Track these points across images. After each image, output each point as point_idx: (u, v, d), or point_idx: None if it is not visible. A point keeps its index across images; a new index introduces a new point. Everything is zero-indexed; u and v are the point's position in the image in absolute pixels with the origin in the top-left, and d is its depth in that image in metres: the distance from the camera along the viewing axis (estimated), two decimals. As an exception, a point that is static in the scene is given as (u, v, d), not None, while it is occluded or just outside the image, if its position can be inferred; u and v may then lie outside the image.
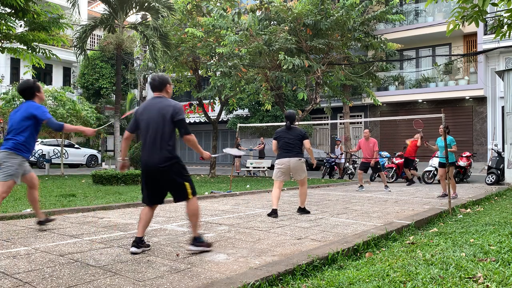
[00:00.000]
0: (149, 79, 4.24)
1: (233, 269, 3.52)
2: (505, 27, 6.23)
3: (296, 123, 14.32)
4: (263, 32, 14.15)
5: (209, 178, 16.11)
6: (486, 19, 18.15)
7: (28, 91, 4.90)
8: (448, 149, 9.01)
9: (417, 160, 14.76)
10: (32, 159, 20.64)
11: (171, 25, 16.52)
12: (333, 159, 16.82)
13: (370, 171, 12.55)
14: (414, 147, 13.53)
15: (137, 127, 4.11)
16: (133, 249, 4.00)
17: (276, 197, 6.54)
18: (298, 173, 6.68)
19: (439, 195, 9.70)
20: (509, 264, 3.47)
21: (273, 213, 6.43)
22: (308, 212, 6.73)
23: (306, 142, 6.68)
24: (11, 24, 12.53)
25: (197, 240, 4.08)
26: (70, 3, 14.64)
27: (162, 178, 3.97)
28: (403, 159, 14.02)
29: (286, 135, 6.69)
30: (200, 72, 17.99)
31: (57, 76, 28.93)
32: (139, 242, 4.05)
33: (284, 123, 6.92)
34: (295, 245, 4.45)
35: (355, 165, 16.72)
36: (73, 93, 20.86)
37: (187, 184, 4.03)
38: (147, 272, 3.43)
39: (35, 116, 4.76)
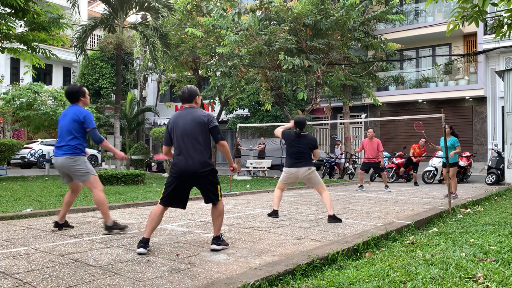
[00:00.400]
0: (179, 92, 4.47)
1: (233, 269, 3.52)
2: (505, 27, 6.23)
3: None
4: (263, 32, 14.16)
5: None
6: (486, 19, 18.15)
7: (73, 95, 5.08)
8: (453, 151, 9.11)
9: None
10: (32, 159, 20.67)
11: (171, 25, 16.53)
12: (333, 159, 16.81)
13: (370, 170, 12.50)
14: (421, 152, 13.63)
15: (171, 139, 4.31)
16: (141, 250, 4.02)
17: (277, 197, 6.52)
18: (310, 182, 6.39)
19: (445, 195, 9.29)
20: (509, 264, 3.47)
21: (274, 214, 6.42)
22: (339, 221, 5.95)
23: (316, 152, 6.40)
24: (11, 24, 12.54)
25: (219, 239, 4.29)
26: (70, 3, 14.65)
27: (198, 182, 4.22)
28: (409, 162, 13.95)
29: (297, 143, 6.34)
30: (200, 72, 18.01)
31: (57, 76, 28.93)
32: (146, 243, 4.09)
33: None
34: (295, 245, 4.45)
35: (355, 165, 16.72)
36: (73, 93, 20.83)
37: (219, 187, 4.33)
38: (147, 272, 3.43)
39: (82, 122, 4.96)
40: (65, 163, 4.92)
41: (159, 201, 4.27)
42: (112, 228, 4.98)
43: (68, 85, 5.41)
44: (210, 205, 4.34)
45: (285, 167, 6.50)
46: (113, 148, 5.17)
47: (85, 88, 5.21)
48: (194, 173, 4.14)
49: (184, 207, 4.36)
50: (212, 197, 4.30)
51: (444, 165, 10.52)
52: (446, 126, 8.80)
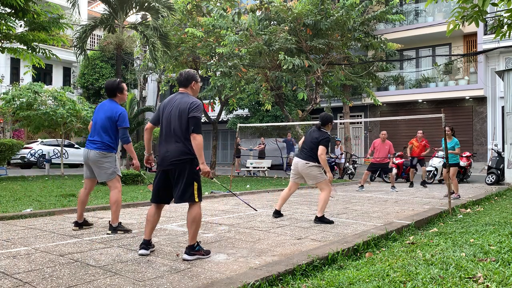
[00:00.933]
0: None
1: (233, 269, 3.52)
2: (505, 27, 6.23)
3: (296, 123, 14.37)
4: (263, 32, 14.15)
5: (209, 178, 16.08)
6: (486, 19, 18.15)
7: (111, 91, 5.13)
8: (452, 151, 9.23)
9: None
10: (32, 159, 20.66)
11: (171, 25, 16.53)
12: (333, 159, 16.81)
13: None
14: (423, 149, 12.49)
15: (158, 120, 4.10)
16: (142, 251, 3.98)
17: (282, 197, 6.40)
18: (308, 178, 6.10)
19: (445, 195, 9.34)
20: (509, 264, 3.47)
21: (275, 214, 6.39)
22: (328, 222, 5.82)
23: (320, 148, 5.95)
24: (11, 24, 12.53)
25: (193, 248, 3.89)
26: (70, 3, 14.65)
27: (173, 174, 3.88)
28: (415, 160, 12.74)
29: (308, 136, 6.24)
30: (200, 72, 18.00)
31: (57, 76, 28.92)
32: (147, 244, 4.03)
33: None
34: (295, 245, 4.45)
35: (355, 165, 16.72)
36: (73, 93, 20.85)
37: (195, 184, 3.90)
38: (147, 272, 3.43)
39: (116, 120, 5.02)
40: (95, 157, 4.98)
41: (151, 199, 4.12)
42: (117, 229, 5.03)
43: (108, 80, 5.40)
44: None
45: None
46: (134, 154, 5.19)
47: (124, 84, 5.23)
48: (170, 163, 3.85)
49: (168, 202, 4.08)
50: (182, 194, 3.85)
51: (444, 165, 10.64)
52: (447, 127, 8.85)
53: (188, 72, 4.13)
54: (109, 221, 5.09)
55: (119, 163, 5.19)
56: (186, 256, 3.83)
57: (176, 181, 3.87)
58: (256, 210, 5.01)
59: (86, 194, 5.26)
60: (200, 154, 3.87)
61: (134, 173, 11.93)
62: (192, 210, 3.90)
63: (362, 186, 11.24)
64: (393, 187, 11.13)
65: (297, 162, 6.17)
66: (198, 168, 3.95)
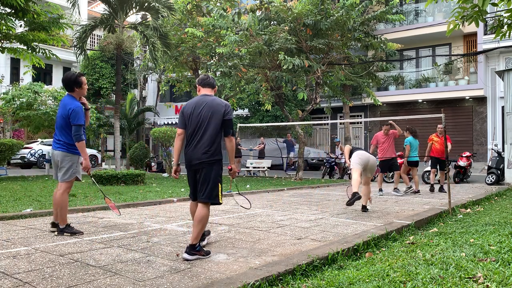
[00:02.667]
0: (201, 76, 4.31)
1: (233, 269, 3.52)
2: (505, 27, 6.23)
3: (296, 123, 14.35)
4: (263, 32, 14.15)
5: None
6: (486, 19, 18.15)
7: (68, 85, 4.91)
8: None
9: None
10: (32, 159, 20.66)
11: (171, 25, 16.53)
12: (333, 159, 16.82)
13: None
14: (442, 143, 10.80)
15: (185, 123, 4.08)
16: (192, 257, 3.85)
17: (357, 181, 6.82)
18: (372, 171, 7.25)
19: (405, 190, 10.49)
20: (509, 264, 3.47)
21: (354, 197, 6.62)
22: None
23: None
24: (11, 24, 12.54)
25: (194, 248, 3.88)
26: (70, 3, 14.64)
27: (201, 173, 3.94)
28: (435, 161, 11.35)
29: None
30: (200, 72, 18.01)
31: (57, 76, 28.92)
32: (192, 251, 3.91)
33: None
34: (295, 245, 4.45)
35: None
36: (73, 93, 20.84)
37: (219, 186, 3.97)
38: (147, 272, 3.43)
39: (68, 117, 4.78)
40: (58, 157, 4.85)
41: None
42: (64, 231, 4.85)
43: (67, 72, 5.15)
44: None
45: (357, 151, 7.26)
46: (85, 154, 4.88)
47: (82, 78, 4.93)
48: (198, 163, 3.93)
49: (195, 199, 4.13)
50: (205, 193, 3.92)
51: (409, 163, 11.02)
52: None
53: (211, 76, 4.30)
54: (56, 222, 4.93)
55: (79, 166, 4.95)
56: (186, 256, 3.83)
57: (203, 181, 3.94)
58: (249, 208, 5.00)
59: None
60: (233, 155, 4.06)
61: (134, 173, 11.93)
62: (202, 210, 3.93)
63: (381, 189, 10.33)
64: (396, 189, 10.23)
65: (369, 157, 7.13)
66: (230, 167, 4.12)
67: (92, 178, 5.60)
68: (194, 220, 3.96)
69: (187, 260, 3.80)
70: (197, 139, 3.96)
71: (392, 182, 14.28)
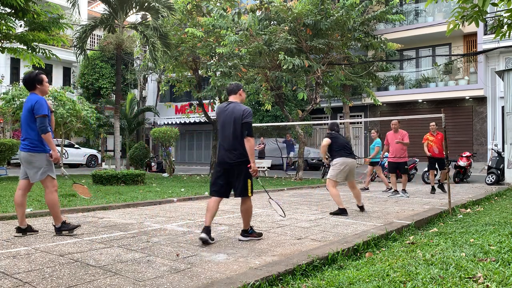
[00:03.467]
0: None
1: (233, 269, 3.52)
2: (505, 27, 6.22)
3: (296, 123, 14.36)
4: (263, 32, 14.15)
5: (209, 178, 16.12)
6: (486, 19, 18.14)
7: (29, 83, 4.85)
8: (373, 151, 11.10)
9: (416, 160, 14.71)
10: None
11: (171, 25, 16.52)
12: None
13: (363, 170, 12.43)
14: (438, 141, 10.49)
15: (219, 128, 4.76)
16: (203, 235, 4.39)
17: (338, 195, 6.79)
18: (353, 175, 7.00)
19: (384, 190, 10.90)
20: (509, 264, 3.47)
21: (342, 213, 6.63)
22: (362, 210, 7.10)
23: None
24: (11, 24, 12.53)
25: (247, 232, 4.71)
26: (70, 3, 14.64)
27: (232, 173, 4.54)
28: (433, 161, 10.81)
29: (341, 139, 7.10)
30: (200, 72, 18.00)
31: (57, 76, 28.91)
32: (208, 231, 4.47)
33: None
34: (295, 245, 4.45)
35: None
36: (73, 93, 20.85)
37: (249, 181, 4.55)
38: (147, 272, 3.43)
39: (33, 109, 4.67)
40: (25, 158, 4.72)
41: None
42: (61, 229, 4.85)
43: (25, 73, 5.09)
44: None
45: (340, 158, 6.89)
46: (53, 145, 4.77)
47: (42, 76, 4.90)
48: (228, 164, 4.52)
49: (227, 196, 4.68)
50: (239, 190, 4.53)
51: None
52: (373, 130, 11.02)
53: (236, 82, 4.91)
54: (53, 223, 4.89)
55: (50, 163, 4.80)
56: (241, 237, 4.68)
57: (236, 179, 4.54)
58: (284, 216, 5.18)
59: (21, 195, 4.85)
60: (252, 154, 4.52)
61: (134, 173, 11.93)
62: (245, 202, 4.61)
63: (396, 191, 9.89)
64: (404, 191, 9.75)
65: (352, 162, 6.86)
66: (248, 166, 4.54)
67: (63, 169, 5.56)
68: (241, 211, 4.67)
69: (242, 240, 4.63)
70: (224, 142, 4.59)
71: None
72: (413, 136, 13.83)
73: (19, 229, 4.85)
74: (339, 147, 6.92)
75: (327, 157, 7.30)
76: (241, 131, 4.48)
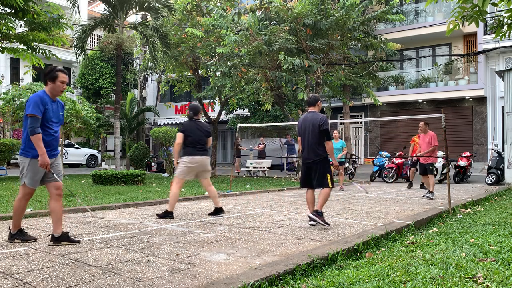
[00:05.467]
0: (306, 97, 5.61)
1: (233, 269, 3.52)
2: (505, 27, 6.22)
3: (296, 123, 14.45)
4: (263, 32, 14.15)
5: (337, 169, 15.85)
6: (486, 19, 18.15)
7: (44, 78, 4.45)
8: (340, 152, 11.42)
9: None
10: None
11: (171, 25, 16.52)
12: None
13: (362, 170, 12.43)
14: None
15: (300, 133, 5.75)
16: (311, 222, 5.51)
17: (175, 195, 6.24)
18: (207, 172, 6.52)
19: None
20: (509, 264, 3.47)
21: (167, 215, 6.17)
22: (167, 216, 6.17)
23: (210, 140, 6.59)
24: (11, 24, 12.53)
25: (318, 212, 5.49)
26: (70, 3, 14.63)
27: (314, 168, 5.58)
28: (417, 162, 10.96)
29: (198, 130, 6.41)
30: (200, 72, 18.00)
31: (57, 76, 28.90)
32: (316, 214, 5.46)
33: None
34: (295, 245, 4.45)
35: (355, 165, 16.72)
36: (73, 93, 20.84)
37: (328, 175, 5.56)
38: (147, 272, 3.43)
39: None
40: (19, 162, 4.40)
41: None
42: (14, 236, 4.45)
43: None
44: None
45: (188, 157, 6.25)
46: (41, 149, 4.20)
47: (58, 73, 4.36)
48: (311, 162, 5.55)
49: (312, 187, 5.69)
50: (320, 182, 5.54)
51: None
52: (335, 131, 11.60)
53: (315, 95, 5.84)
54: (10, 228, 4.49)
55: (31, 170, 4.31)
56: (311, 215, 5.51)
57: (315, 173, 5.59)
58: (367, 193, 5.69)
59: (25, 201, 4.47)
60: (332, 153, 5.62)
61: (134, 173, 11.92)
62: (324, 190, 5.56)
63: (432, 192, 9.39)
64: (431, 192, 9.27)
65: (201, 160, 6.35)
66: (331, 163, 5.71)
67: (55, 176, 4.43)
68: (320, 194, 5.55)
69: (311, 218, 5.50)
70: (307, 145, 5.59)
71: (392, 182, 14.30)
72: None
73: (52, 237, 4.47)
74: (189, 143, 6.29)
75: (178, 161, 6.42)
76: (319, 135, 5.51)
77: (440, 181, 13.76)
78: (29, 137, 4.21)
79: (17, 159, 21.17)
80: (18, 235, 4.48)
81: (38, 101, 4.20)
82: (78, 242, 4.46)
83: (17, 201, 4.43)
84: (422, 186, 11.44)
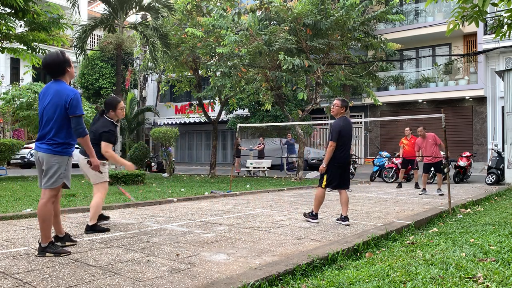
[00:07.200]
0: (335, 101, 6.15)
1: (233, 269, 3.52)
2: (505, 27, 6.23)
3: (296, 123, 14.40)
4: (263, 32, 14.15)
5: (209, 178, 16.12)
6: (486, 19, 18.14)
7: (58, 67, 3.91)
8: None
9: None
10: (32, 159, 20.65)
11: (171, 25, 16.52)
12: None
13: (363, 170, 12.44)
14: (411, 145, 11.83)
15: (340, 137, 5.93)
16: (346, 222, 5.73)
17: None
18: (91, 176, 5.24)
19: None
20: (509, 264, 3.47)
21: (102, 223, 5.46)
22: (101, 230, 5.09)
23: (102, 144, 5.13)
24: (11, 24, 12.54)
25: (342, 217, 5.86)
26: (70, 3, 14.64)
27: (348, 169, 6.07)
28: (406, 161, 12.41)
29: (98, 123, 5.35)
30: (200, 72, 18.00)
31: (57, 76, 28.92)
32: (345, 218, 5.79)
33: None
34: (295, 245, 4.45)
35: (355, 165, 16.72)
36: (73, 93, 20.86)
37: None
38: (147, 272, 3.43)
39: (67, 107, 3.81)
40: (43, 158, 3.92)
41: (325, 186, 5.94)
42: (46, 250, 3.90)
43: (46, 55, 3.99)
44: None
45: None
46: (92, 150, 4.13)
47: (68, 57, 4.04)
48: (348, 163, 6.02)
49: (348, 187, 6.20)
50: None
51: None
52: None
53: (346, 100, 6.32)
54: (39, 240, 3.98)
55: (69, 170, 4.05)
56: (336, 220, 5.99)
57: (348, 173, 6.10)
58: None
59: (56, 203, 4.24)
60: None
61: (134, 173, 11.92)
62: (344, 193, 6.03)
63: (424, 189, 10.22)
64: (439, 189, 10.03)
65: (82, 160, 5.14)
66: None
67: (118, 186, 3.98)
68: (343, 202, 5.95)
69: (338, 222, 5.89)
70: (346, 147, 5.98)
71: (392, 182, 14.30)
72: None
73: (57, 238, 4.26)
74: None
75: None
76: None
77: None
78: (67, 135, 3.90)
79: (17, 159, 21.18)
80: (50, 248, 3.89)
81: (81, 99, 3.99)
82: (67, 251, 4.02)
83: (43, 206, 3.90)
84: (417, 186, 11.92)
